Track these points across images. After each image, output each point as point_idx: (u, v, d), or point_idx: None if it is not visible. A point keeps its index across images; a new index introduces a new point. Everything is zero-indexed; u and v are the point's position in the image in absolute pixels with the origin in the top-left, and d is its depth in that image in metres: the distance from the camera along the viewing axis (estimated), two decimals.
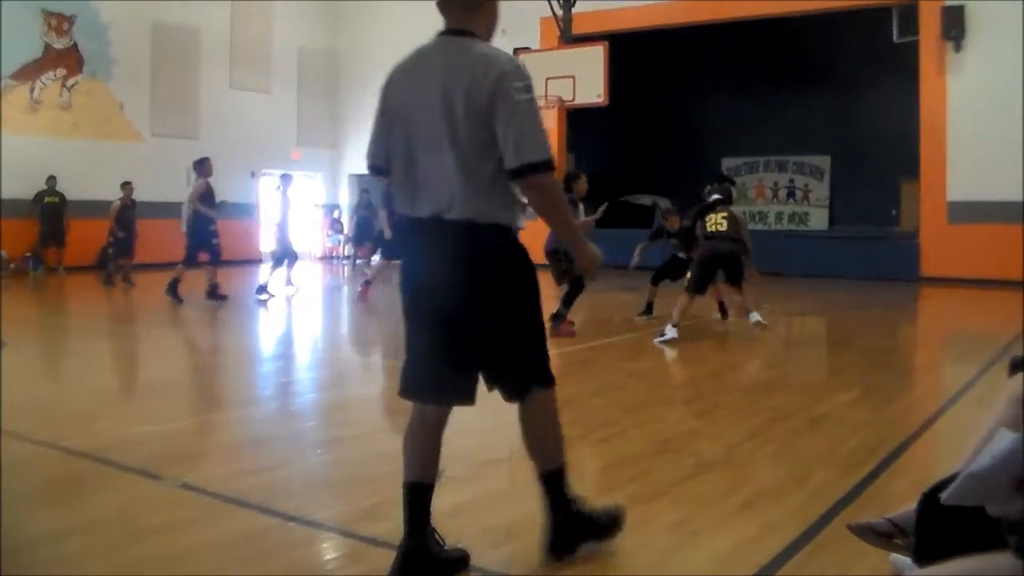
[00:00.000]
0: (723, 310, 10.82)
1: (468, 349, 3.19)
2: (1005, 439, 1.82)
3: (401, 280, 3.33)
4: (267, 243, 17.04)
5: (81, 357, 9.15)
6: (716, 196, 10.26)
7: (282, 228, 15.04)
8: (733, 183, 14.05)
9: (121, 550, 3.50)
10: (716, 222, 9.86)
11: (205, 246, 13.54)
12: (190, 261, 13.52)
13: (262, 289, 14.05)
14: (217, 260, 13.65)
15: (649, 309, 11.15)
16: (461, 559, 3.30)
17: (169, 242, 20.78)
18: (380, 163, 3.36)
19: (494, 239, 3.15)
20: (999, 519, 1.89)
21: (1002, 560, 1.88)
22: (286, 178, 15.50)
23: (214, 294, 13.25)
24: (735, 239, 9.78)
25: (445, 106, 3.08)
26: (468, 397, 3.24)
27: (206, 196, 13.49)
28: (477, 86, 3.04)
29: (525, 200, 3.24)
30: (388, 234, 13.78)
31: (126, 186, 16.99)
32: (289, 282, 14.95)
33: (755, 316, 9.98)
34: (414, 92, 3.19)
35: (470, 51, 3.13)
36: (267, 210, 18.23)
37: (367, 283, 13.59)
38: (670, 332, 9.31)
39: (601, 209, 9.95)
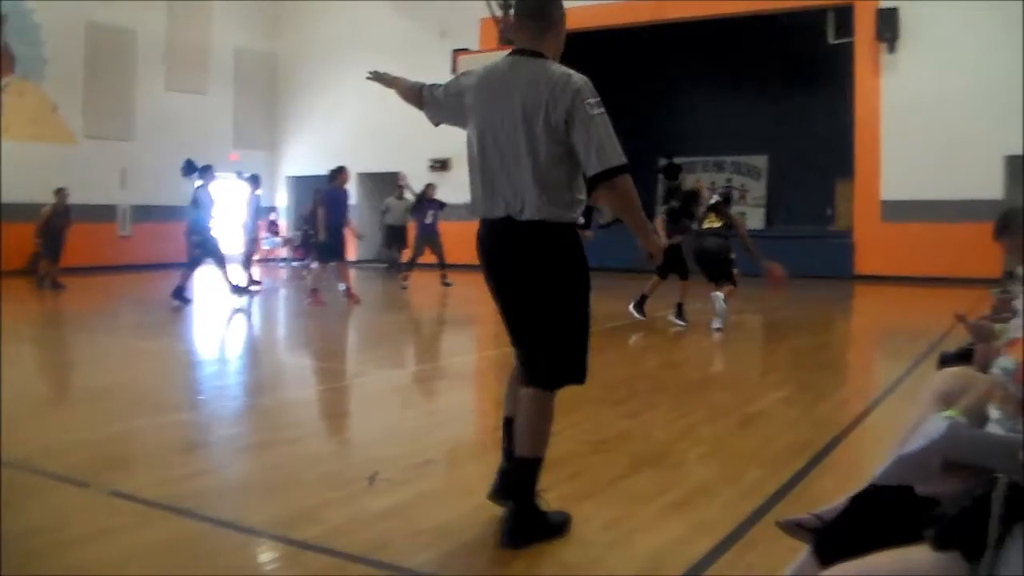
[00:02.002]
0: (681, 313, 10.82)
1: (541, 333, 3.61)
2: (937, 423, 1.86)
3: (484, 276, 3.72)
4: (235, 244, 16.74)
5: (8, 364, 8.96)
6: (717, 198, 10.82)
7: (248, 230, 14.95)
8: (680, 169, 14.30)
9: (52, 558, 3.45)
10: (712, 219, 10.49)
11: (190, 248, 13.52)
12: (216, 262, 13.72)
13: (237, 289, 14.03)
14: (192, 264, 13.50)
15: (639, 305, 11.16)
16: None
17: (103, 245, 20.57)
18: (434, 117, 3.95)
19: (561, 235, 3.53)
20: (920, 513, 1.93)
21: (918, 554, 1.91)
22: (254, 179, 15.83)
23: (180, 295, 13.03)
24: (723, 235, 10.40)
25: (524, 121, 3.47)
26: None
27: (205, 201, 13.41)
28: (554, 104, 3.41)
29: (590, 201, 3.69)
30: (323, 236, 13.57)
31: (60, 192, 16.53)
32: (249, 282, 14.97)
33: (717, 323, 10.16)
34: (491, 107, 3.58)
35: (545, 71, 3.49)
36: (231, 211, 17.90)
37: (315, 290, 13.46)
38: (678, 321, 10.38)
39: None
